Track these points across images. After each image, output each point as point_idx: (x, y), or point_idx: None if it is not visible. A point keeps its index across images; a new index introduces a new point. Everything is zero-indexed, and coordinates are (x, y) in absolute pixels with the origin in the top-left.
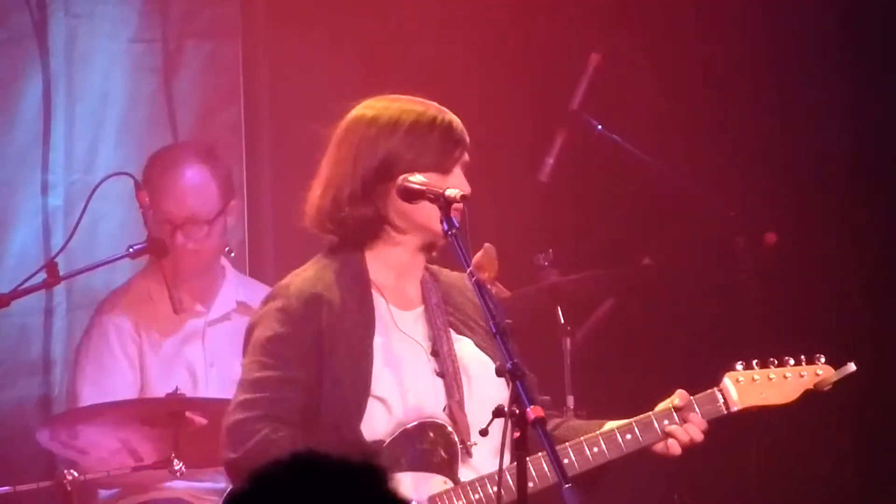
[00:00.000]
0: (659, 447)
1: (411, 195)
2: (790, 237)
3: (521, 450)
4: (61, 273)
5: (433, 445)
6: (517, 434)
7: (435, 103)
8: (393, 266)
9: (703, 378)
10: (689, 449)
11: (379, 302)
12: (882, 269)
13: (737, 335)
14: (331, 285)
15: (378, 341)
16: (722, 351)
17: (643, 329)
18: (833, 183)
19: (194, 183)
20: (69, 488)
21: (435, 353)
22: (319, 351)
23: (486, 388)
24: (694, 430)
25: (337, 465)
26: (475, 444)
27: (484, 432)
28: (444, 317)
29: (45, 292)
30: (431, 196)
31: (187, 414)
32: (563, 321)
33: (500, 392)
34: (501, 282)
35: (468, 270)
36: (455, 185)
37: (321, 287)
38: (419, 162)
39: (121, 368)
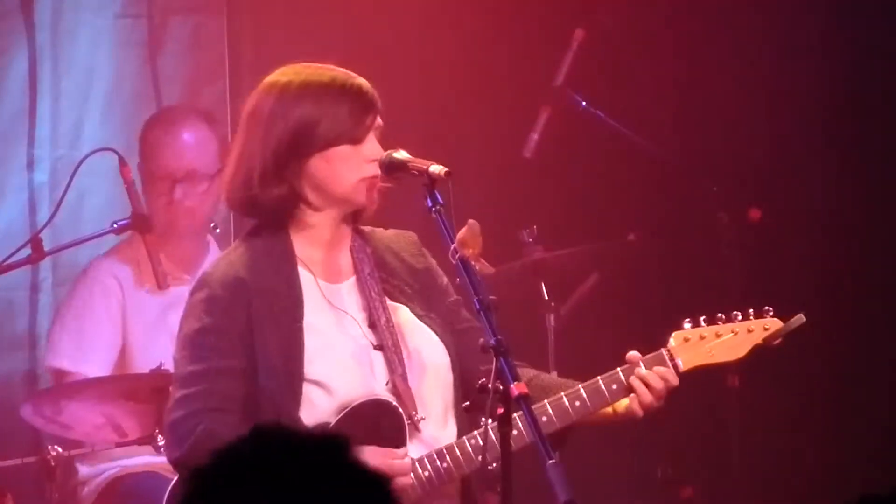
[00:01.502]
0: (621, 411)
1: (394, 168)
2: (774, 212)
3: (505, 427)
4: (46, 248)
5: (379, 423)
6: (501, 410)
7: (342, 69)
8: (318, 240)
9: None
10: (649, 410)
11: (307, 278)
12: (867, 244)
13: (721, 310)
14: (255, 268)
15: (309, 322)
16: None
17: (627, 305)
18: (818, 158)
19: (196, 138)
20: (53, 464)
21: (372, 324)
22: (251, 338)
23: (426, 357)
24: (654, 378)
25: (301, 436)
26: (422, 418)
27: (469, 408)
28: (378, 285)
29: (32, 268)
30: (415, 172)
31: (171, 389)
32: (547, 297)
33: (441, 360)
34: (485, 258)
35: (452, 247)
36: (369, 153)
37: (245, 271)
38: (331, 135)
39: (102, 327)
